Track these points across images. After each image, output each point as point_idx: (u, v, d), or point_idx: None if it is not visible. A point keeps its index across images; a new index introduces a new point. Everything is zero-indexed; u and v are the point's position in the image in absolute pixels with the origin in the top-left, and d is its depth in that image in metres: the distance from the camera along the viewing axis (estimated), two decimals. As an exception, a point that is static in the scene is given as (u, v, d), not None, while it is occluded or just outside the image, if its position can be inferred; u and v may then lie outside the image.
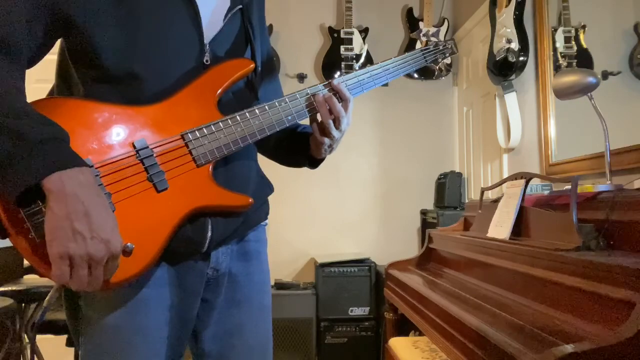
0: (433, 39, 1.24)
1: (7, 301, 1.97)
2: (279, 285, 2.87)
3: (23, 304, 2.16)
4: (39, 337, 2.29)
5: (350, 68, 3.17)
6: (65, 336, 2.33)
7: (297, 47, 3.30)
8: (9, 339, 2.14)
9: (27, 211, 0.70)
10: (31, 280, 2.43)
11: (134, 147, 0.79)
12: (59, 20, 0.80)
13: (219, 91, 0.88)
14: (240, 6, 0.96)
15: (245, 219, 0.96)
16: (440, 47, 1.22)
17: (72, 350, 2.36)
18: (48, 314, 2.36)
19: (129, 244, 0.76)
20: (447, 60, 3.23)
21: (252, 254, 1.02)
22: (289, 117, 0.92)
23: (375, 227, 3.28)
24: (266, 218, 1.06)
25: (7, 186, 0.67)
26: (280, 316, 2.73)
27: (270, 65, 1.09)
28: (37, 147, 0.67)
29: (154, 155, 0.80)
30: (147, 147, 0.80)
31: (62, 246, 0.67)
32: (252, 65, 0.92)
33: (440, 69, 1.28)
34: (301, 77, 3.27)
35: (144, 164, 0.79)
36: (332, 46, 3.23)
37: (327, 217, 3.25)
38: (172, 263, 0.88)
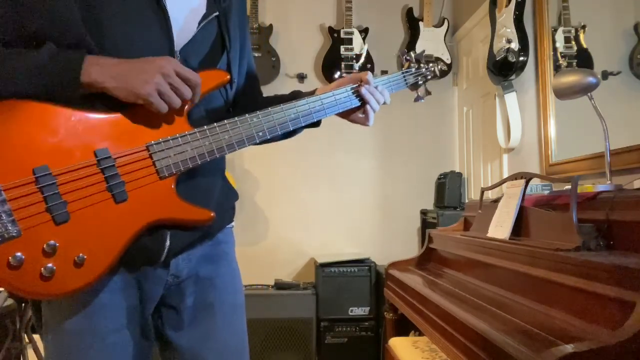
0: (414, 64, 1.22)
1: (7, 301, 1.97)
2: (279, 285, 2.86)
3: (23, 304, 2.16)
4: (39, 337, 2.29)
5: (350, 68, 3.17)
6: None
7: (297, 47, 3.30)
8: (9, 339, 2.14)
9: None
10: (31, 280, 2.43)
11: (96, 155, 0.78)
12: (26, 34, 0.79)
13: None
14: (217, 13, 0.94)
15: (208, 228, 0.95)
16: (423, 70, 1.21)
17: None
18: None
19: (80, 254, 0.75)
20: (448, 61, 3.23)
21: (219, 255, 1.01)
22: (260, 133, 0.91)
23: (375, 227, 3.28)
24: (232, 220, 1.05)
25: (60, 98, 0.77)
26: (280, 316, 2.73)
27: (251, 75, 1.09)
28: (52, 65, 0.76)
29: (115, 165, 0.79)
30: (109, 157, 0.78)
31: (145, 88, 0.78)
32: (227, 78, 0.91)
33: (421, 91, 1.26)
34: (301, 77, 3.27)
35: (104, 174, 0.78)
36: (332, 46, 3.23)
37: (327, 217, 3.25)
38: (131, 270, 0.88)
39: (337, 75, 3.19)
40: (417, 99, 1.26)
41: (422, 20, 3.27)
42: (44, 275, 0.72)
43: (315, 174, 3.26)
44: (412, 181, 3.31)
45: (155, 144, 0.82)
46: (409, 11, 3.32)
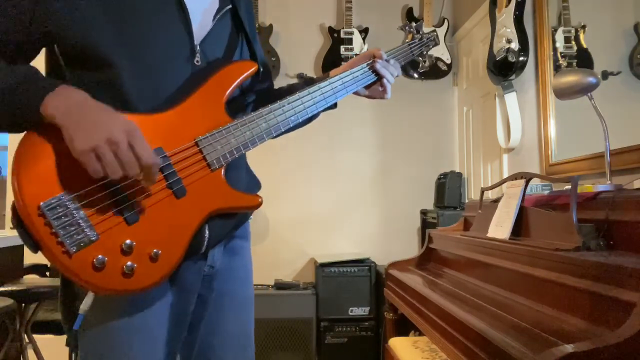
0: (417, 35, 1.30)
1: (7, 301, 1.97)
2: (279, 285, 2.86)
3: (23, 304, 2.16)
4: (38, 337, 2.29)
5: (350, 68, 3.17)
6: (65, 336, 2.33)
7: (297, 47, 3.30)
8: (9, 339, 2.14)
9: (58, 226, 0.73)
10: (31, 280, 2.43)
11: None
12: (49, 31, 0.81)
13: (226, 94, 0.91)
14: (230, 6, 0.98)
15: (238, 218, 0.99)
16: (425, 40, 1.29)
17: (72, 350, 2.35)
18: (48, 313, 2.36)
19: (154, 249, 0.79)
20: (448, 61, 3.24)
21: (236, 249, 1.05)
22: (292, 117, 0.97)
23: (375, 227, 3.28)
24: (251, 213, 1.08)
25: (23, 126, 0.76)
26: (280, 316, 2.73)
27: (264, 64, 1.13)
28: (19, 89, 0.74)
29: (171, 162, 0.83)
30: (165, 155, 0.82)
31: (81, 144, 0.72)
32: (256, 67, 0.96)
33: (424, 60, 1.33)
34: (301, 77, 3.26)
35: (162, 172, 0.82)
36: (332, 46, 3.23)
37: (327, 217, 3.25)
38: None
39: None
40: (422, 67, 1.35)
41: (422, 20, 3.27)
42: (126, 272, 0.77)
43: (315, 174, 3.26)
44: (412, 181, 3.31)
45: (202, 138, 0.86)
46: (409, 11, 3.32)
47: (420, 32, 1.28)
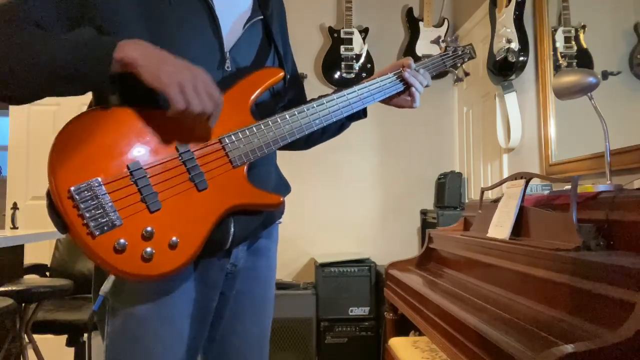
0: (452, 44, 1.30)
1: (7, 301, 1.97)
2: (279, 285, 2.86)
3: (23, 304, 2.16)
4: (38, 337, 2.29)
5: (350, 68, 3.17)
6: (65, 336, 2.33)
7: (297, 47, 3.26)
8: (9, 339, 2.14)
9: (84, 209, 0.77)
10: (31, 280, 2.43)
11: (177, 150, 0.86)
12: (87, 19, 0.84)
13: (252, 98, 0.95)
14: (261, 17, 1.01)
15: (264, 218, 1.01)
16: (459, 52, 1.29)
17: (72, 350, 2.36)
18: (48, 313, 2.36)
19: (173, 237, 0.82)
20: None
21: (261, 250, 1.07)
22: (317, 121, 0.99)
23: (375, 227, 3.28)
24: (281, 217, 1.11)
25: (93, 76, 0.78)
26: (280, 316, 2.73)
27: (295, 74, 1.17)
28: (96, 39, 0.79)
29: (195, 157, 0.87)
30: (189, 151, 0.87)
31: (169, 77, 0.79)
32: (282, 74, 0.99)
33: (463, 72, 1.34)
34: (301, 77, 3.26)
35: (186, 166, 0.86)
36: (332, 46, 3.23)
37: (327, 217, 3.25)
38: (197, 260, 0.93)
39: (337, 75, 3.19)
40: (457, 80, 1.35)
41: (422, 20, 3.27)
42: (145, 257, 0.80)
43: (316, 173, 3.26)
44: (412, 181, 3.31)
45: (226, 136, 0.90)
46: (409, 11, 3.32)
47: (457, 45, 1.30)
